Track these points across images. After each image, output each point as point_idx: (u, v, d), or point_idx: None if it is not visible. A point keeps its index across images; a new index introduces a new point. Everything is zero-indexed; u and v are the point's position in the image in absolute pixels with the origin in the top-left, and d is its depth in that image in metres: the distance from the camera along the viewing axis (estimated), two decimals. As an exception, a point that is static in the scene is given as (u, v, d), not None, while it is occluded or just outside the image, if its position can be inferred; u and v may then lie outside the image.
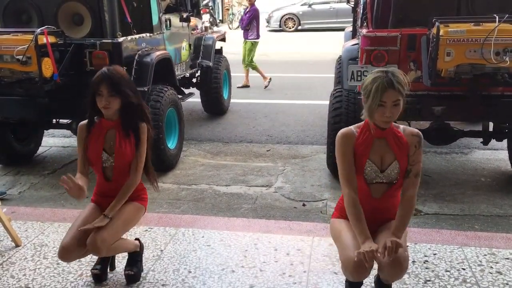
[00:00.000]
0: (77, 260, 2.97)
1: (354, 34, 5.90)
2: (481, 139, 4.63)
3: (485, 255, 3.02)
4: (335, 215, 2.50)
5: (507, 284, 2.72)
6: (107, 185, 2.66)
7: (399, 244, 2.14)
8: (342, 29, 8.76)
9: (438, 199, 4.14)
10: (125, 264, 2.83)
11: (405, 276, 2.78)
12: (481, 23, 3.56)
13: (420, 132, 2.35)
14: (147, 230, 3.39)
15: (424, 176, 4.62)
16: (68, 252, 2.52)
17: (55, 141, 6.01)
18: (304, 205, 4.13)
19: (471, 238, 3.26)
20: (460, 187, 4.38)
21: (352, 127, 2.37)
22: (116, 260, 2.92)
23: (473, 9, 4.09)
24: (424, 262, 2.94)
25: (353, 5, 6.47)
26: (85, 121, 2.64)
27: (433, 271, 2.85)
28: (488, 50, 3.45)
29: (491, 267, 2.88)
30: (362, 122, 2.36)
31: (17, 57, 3.95)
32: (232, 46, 10.10)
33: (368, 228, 2.28)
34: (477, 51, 3.48)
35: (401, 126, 2.37)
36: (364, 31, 4.17)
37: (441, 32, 3.49)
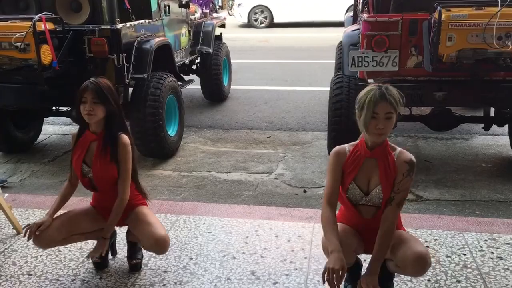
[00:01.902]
0: (79, 247, 2.99)
1: (355, 20, 5.85)
2: (482, 125, 4.62)
3: (486, 240, 3.03)
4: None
5: (508, 269, 2.72)
6: (97, 195, 2.75)
7: (375, 286, 2.18)
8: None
9: (439, 184, 4.14)
10: (126, 251, 2.84)
11: (406, 262, 2.79)
12: (483, 7, 3.53)
13: (413, 160, 2.25)
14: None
15: (425, 162, 4.62)
16: (48, 242, 2.62)
17: (55, 128, 6.00)
18: (305, 191, 4.13)
19: (472, 224, 3.27)
20: (461, 173, 4.38)
21: (346, 146, 2.34)
22: (117, 247, 2.93)
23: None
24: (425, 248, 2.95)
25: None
26: (73, 131, 2.72)
27: (433, 256, 2.85)
28: (490, 35, 3.42)
29: (492, 253, 2.89)
30: (358, 141, 2.33)
31: (15, 44, 3.91)
32: (232, 32, 10.03)
33: (368, 242, 2.30)
34: (479, 35, 3.44)
35: (398, 149, 2.30)
36: (365, 16, 4.13)
37: (443, 17, 3.45)
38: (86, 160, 2.63)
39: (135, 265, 2.78)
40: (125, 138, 2.60)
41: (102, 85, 2.54)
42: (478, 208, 3.71)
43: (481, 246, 2.96)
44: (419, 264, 2.22)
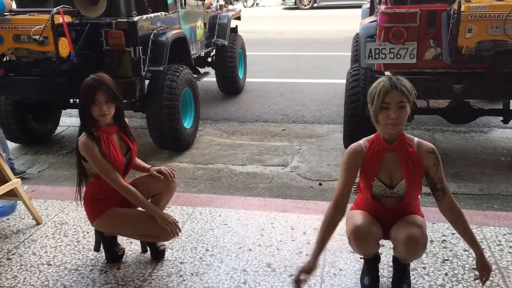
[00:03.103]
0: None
1: (372, 11, 5.79)
2: (501, 118, 4.55)
3: (504, 234, 2.99)
4: (353, 208, 2.48)
5: (526, 264, 2.69)
6: (109, 190, 2.62)
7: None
8: (358, 6, 8.61)
9: (457, 178, 4.09)
10: (140, 244, 2.89)
11: (423, 256, 2.77)
12: (504, -2, 3.46)
13: (434, 147, 2.27)
14: (164, 209, 3.41)
15: (442, 155, 4.56)
16: None
17: (72, 121, 6.07)
18: (320, 184, 4.12)
19: (490, 218, 3.23)
20: (479, 166, 4.32)
21: (361, 142, 2.30)
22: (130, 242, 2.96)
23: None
24: (442, 242, 2.93)
25: (370, -18, 6.33)
26: (85, 137, 2.51)
27: (451, 250, 2.83)
28: (510, 26, 3.36)
29: (510, 247, 2.85)
30: (373, 135, 2.29)
31: (34, 37, 3.96)
32: (247, 24, 10.00)
33: (386, 229, 2.30)
34: (500, 27, 3.39)
35: (415, 139, 2.28)
36: (382, 7, 4.09)
37: (462, 8, 3.40)
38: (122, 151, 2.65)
39: (163, 251, 2.83)
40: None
41: (109, 83, 2.52)
42: (497, 202, 3.66)
43: (499, 241, 2.93)
44: (409, 245, 2.20)
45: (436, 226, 3.11)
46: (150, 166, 2.79)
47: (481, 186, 3.95)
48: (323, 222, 2.26)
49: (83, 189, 2.66)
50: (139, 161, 2.84)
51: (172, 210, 3.43)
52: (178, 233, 2.61)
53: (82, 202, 2.66)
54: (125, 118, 2.70)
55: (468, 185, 3.97)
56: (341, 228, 3.10)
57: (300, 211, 3.42)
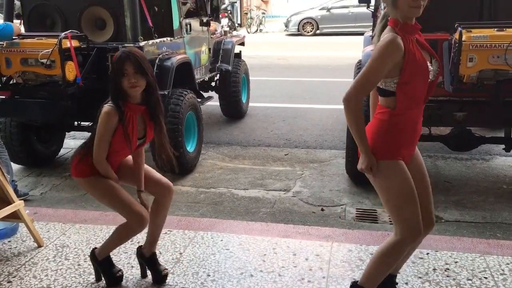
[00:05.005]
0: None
1: (374, 39, 5.86)
2: (503, 146, 4.57)
3: (508, 263, 2.97)
4: (381, 154, 2.22)
5: (530, 294, 2.67)
6: (118, 160, 2.71)
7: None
8: (360, 34, 8.72)
9: (459, 206, 4.08)
10: (140, 268, 2.89)
11: (426, 284, 2.76)
12: (504, 29, 3.52)
13: None
14: (166, 233, 3.41)
15: (445, 182, 4.57)
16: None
17: (76, 143, 6.09)
18: (322, 210, 4.11)
19: (493, 246, 3.21)
20: (482, 194, 4.32)
21: (392, 33, 2.09)
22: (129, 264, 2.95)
23: (495, 14, 4.04)
24: (446, 270, 2.91)
25: (372, 10, 6.43)
26: (110, 107, 2.49)
27: (454, 279, 2.81)
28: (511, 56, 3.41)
29: (514, 276, 2.83)
30: (390, 30, 2.11)
31: (42, 60, 4.03)
32: (251, 50, 10.13)
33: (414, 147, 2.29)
34: (501, 56, 3.43)
35: None
36: (384, 36, 4.14)
37: (463, 38, 3.45)
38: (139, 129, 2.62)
39: (165, 276, 2.82)
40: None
41: (138, 55, 2.47)
42: (500, 231, 3.65)
43: (503, 270, 2.91)
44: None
45: (439, 254, 3.09)
46: (142, 190, 2.76)
47: (484, 214, 3.94)
48: (357, 119, 2.16)
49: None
50: (144, 172, 2.79)
51: (174, 234, 3.42)
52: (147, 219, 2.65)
53: (74, 157, 2.66)
54: (159, 98, 2.61)
55: (471, 213, 3.97)
56: (343, 255, 3.10)
57: (302, 236, 3.41)
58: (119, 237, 2.74)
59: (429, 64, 2.17)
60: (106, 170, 2.61)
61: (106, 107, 2.51)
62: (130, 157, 2.80)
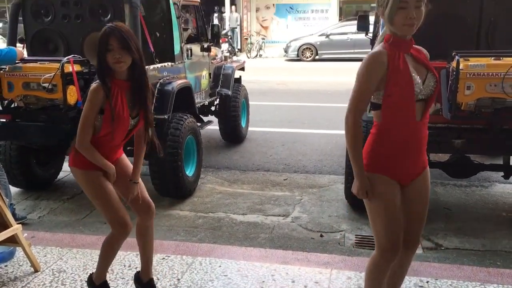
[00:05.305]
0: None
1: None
2: (501, 173, 4.58)
3: (508, 293, 2.95)
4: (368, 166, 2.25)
5: (532, 324, 2.64)
6: (113, 148, 2.66)
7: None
8: (359, 60, 8.80)
9: (459, 233, 4.07)
10: None
11: (426, 313, 2.73)
12: (501, 58, 3.57)
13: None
14: (164, 258, 3.39)
15: (444, 209, 4.56)
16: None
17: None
18: (321, 236, 4.09)
19: (494, 275, 3.19)
20: (481, 222, 4.31)
21: (379, 47, 2.17)
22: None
23: (492, 43, 4.10)
24: (445, 299, 2.88)
25: (371, 37, 6.52)
26: (97, 84, 2.47)
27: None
28: (509, 84, 3.45)
29: (515, 306, 2.81)
30: (380, 44, 2.19)
31: (44, 84, 4.06)
32: (251, 75, 10.22)
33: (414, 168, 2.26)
34: (498, 85, 3.48)
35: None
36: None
37: (461, 66, 3.50)
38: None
39: None
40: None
41: (124, 30, 2.42)
42: (500, 259, 3.63)
43: (503, 299, 2.88)
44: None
45: (439, 282, 3.07)
46: (134, 180, 2.74)
47: (484, 242, 3.92)
48: (356, 128, 2.16)
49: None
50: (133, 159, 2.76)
51: (172, 259, 3.40)
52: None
53: (73, 146, 2.60)
54: (145, 71, 2.55)
55: (471, 240, 3.95)
56: (342, 282, 3.07)
57: (301, 263, 3.39)
58: (105, 250, 2.71)
59: (419, 79, 2.18)
60: (92, 155, 2.52)
61: (92, 84, 2.49)
62: (129, 165, 2.78)
